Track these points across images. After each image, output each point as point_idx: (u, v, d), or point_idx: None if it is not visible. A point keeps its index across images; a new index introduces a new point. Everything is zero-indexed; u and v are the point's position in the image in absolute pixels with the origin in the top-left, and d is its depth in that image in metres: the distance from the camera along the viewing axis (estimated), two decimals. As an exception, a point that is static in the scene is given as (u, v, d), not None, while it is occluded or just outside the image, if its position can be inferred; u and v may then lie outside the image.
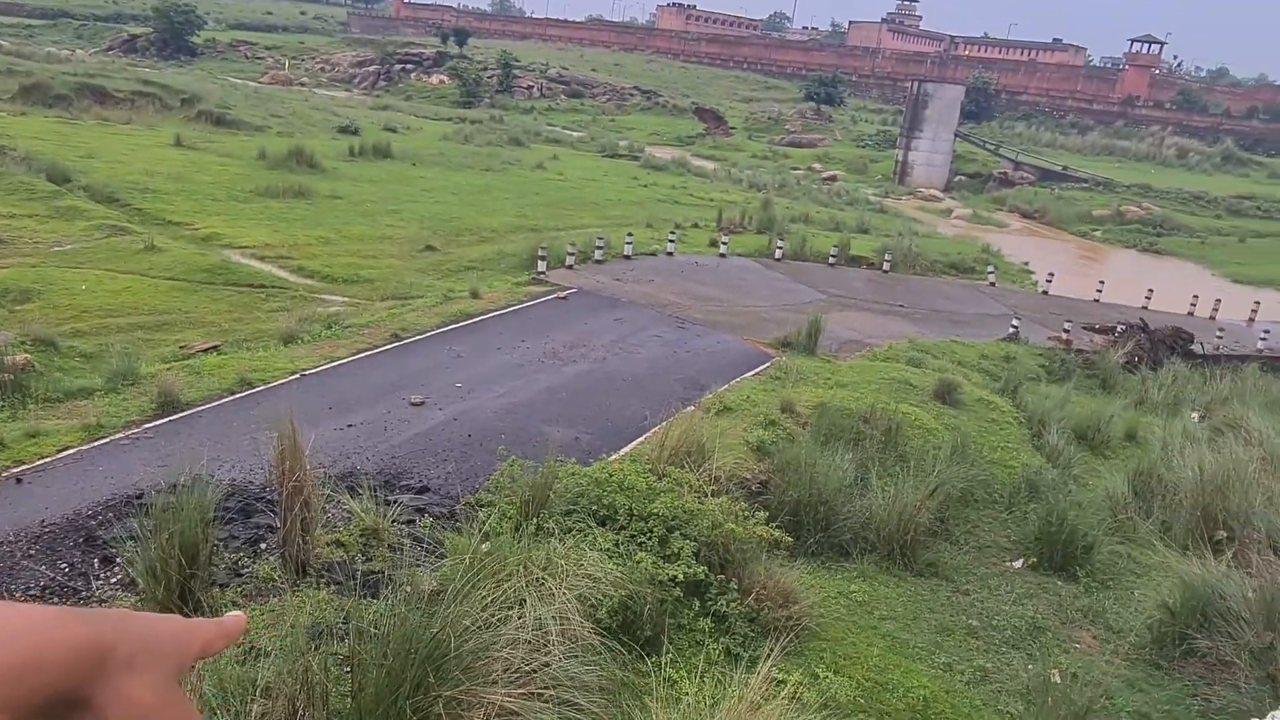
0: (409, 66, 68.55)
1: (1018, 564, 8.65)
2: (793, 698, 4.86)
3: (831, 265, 22.22)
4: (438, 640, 4.56)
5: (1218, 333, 20.17)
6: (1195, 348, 18.80)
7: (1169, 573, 7.97)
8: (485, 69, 66.79)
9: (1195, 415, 14.21)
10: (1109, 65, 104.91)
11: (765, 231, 24.55)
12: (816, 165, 50.63)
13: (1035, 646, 7.11)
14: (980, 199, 45.87)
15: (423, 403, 10.25)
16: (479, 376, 11.38)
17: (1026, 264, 28.84)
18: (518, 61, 68.17)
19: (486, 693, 4.52)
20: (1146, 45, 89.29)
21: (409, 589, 5.29)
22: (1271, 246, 38.06)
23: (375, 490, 7.19)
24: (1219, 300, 23.59)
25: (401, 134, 37.41)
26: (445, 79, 65.44)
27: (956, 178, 49.71)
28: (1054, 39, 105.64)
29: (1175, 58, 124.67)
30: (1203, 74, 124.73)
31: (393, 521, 6.96)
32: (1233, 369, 17.16)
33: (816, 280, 20.34)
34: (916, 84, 53.03)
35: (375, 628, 4.97)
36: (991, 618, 7.54)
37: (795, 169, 48.41)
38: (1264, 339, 20.30)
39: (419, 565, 5.93)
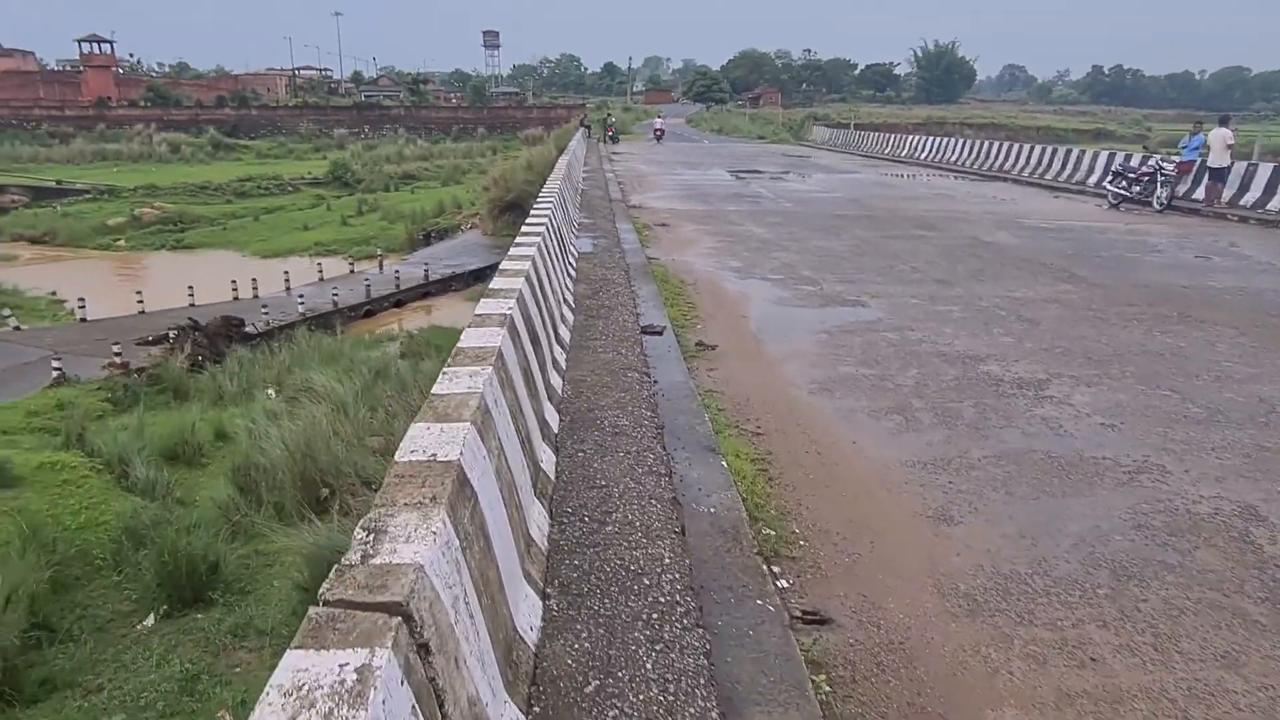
0: None
1: (149, 621, 7.84)
2: None
3: None
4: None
5: (263, 309, 21.64)
6: (249, 329, 19.86)
7: (291, 551, 8.22)
8: None
9: (270, 392, 15.02)
10: (66, 68, 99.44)
11: None
12: None
13: (195, 700, 6.56)
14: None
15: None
16: None
17: (54, 294, 26.02)
18: None
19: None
20: (97, 45, 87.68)
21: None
22: (280, 219, 42.52)
23: None
24: (255, 279, 25.27)
25: None
26: None
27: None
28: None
29: (132, 55, 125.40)
30: (165, 69, 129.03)
31: None
32: (286, 338, 18.69)
33: None
34: None
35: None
36: (138, 696, 6.67)
37: None
38: (301, 302, 22.64)
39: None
